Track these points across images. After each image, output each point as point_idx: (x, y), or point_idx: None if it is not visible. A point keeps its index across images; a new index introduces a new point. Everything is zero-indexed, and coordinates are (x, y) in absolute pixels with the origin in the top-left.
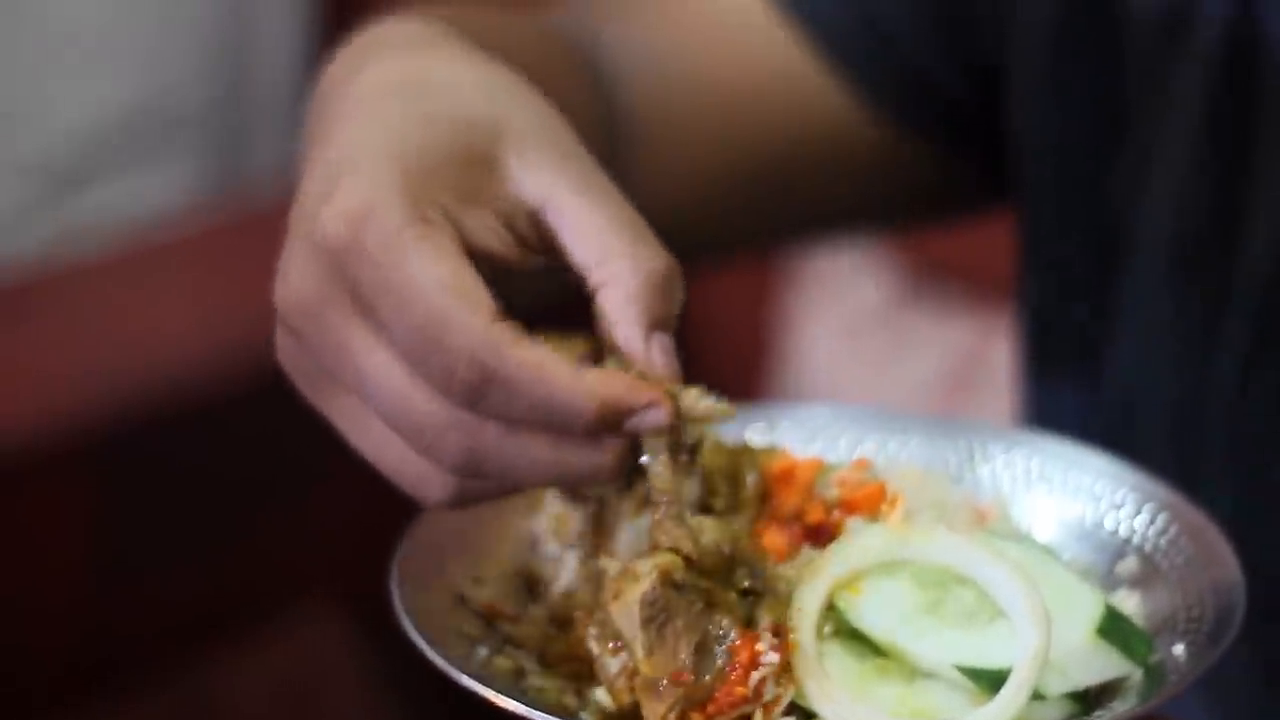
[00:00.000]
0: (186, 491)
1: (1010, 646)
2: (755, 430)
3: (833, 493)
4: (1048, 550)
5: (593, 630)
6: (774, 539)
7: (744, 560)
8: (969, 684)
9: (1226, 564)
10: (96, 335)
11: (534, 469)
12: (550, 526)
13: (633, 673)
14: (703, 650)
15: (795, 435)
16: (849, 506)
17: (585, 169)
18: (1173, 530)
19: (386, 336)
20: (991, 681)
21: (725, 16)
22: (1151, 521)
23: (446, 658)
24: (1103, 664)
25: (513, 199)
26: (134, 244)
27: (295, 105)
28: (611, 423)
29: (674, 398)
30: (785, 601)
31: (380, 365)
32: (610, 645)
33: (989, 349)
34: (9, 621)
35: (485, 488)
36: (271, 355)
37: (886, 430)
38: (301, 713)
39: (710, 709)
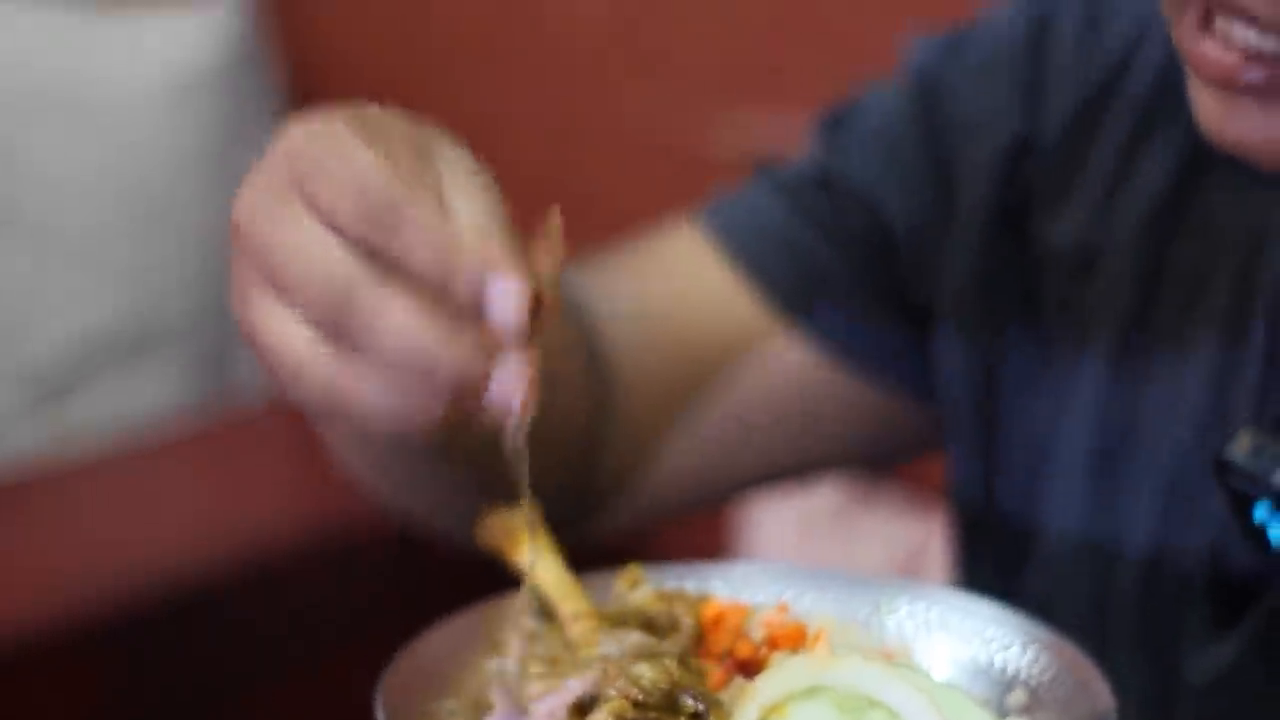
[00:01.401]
0: (180, 679)
1: None
2: (689, 584)
3: (759, 633)
4: (947, 681)
5: None
6: (710, 675)
7: (683, 688)
8: None
9: (1101, 693)
10: (89, 532)
11: (397, 329)
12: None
13: None
14: None
15: (724, 588)
16: (774, 644)
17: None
18: (1054, 666)
19: (317, 209)
20: None
21: (688, 274)
22: (1035, 659)
23: None
24: None
25: (433, 181)
26: (123, 447)
27: None
28: (478, 278)
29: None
30: (727, 713)
31: (304, 228)
32: None
33: (931, 544)
34: None
35: (346, 375)
36: (256, 548)
37: (804, 583)
38: None
39: None
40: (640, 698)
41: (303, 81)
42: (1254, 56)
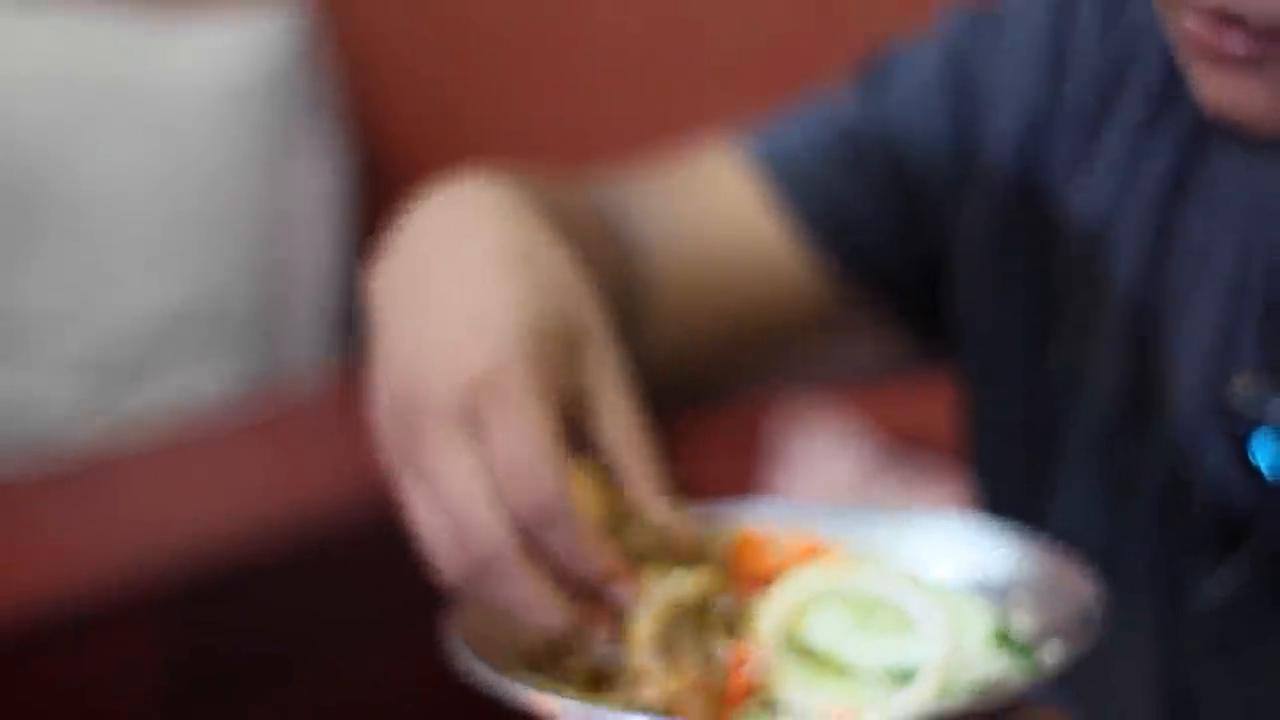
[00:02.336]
0: (234, 651)
1: (923, 650)
2: (723, 519)
3: (781, 553)
4: (949, 586)
5: (624, 675)
6: (738, 590)
7: (715, 594)
8: (890, 680)
9: (1088, 588)
10: (148, 510)
11: (529, 614)
12: None
13: (663, 695)
14: (707, 663)
15: (750, 520)
16: (795, 559)
17: (628, 379)
18: (1047, 569)
19: (479, 459)
20: (909, 677)
21: (727, 201)
22: (1030, 566)
23: (511, 678)
24: (994, 663)
25: (575, 387)
26: (181, 430)
27: (331, 304)
28: (598, 587)
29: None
30: (751, 619)
31: (465, 481)
32: (639, 681)
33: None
34: None
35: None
36: (309, 524)
37: (824, 516)
38: None
39: (725, 703)
40: (679, 601)
41: (359, 84)
42: (1233, 25)
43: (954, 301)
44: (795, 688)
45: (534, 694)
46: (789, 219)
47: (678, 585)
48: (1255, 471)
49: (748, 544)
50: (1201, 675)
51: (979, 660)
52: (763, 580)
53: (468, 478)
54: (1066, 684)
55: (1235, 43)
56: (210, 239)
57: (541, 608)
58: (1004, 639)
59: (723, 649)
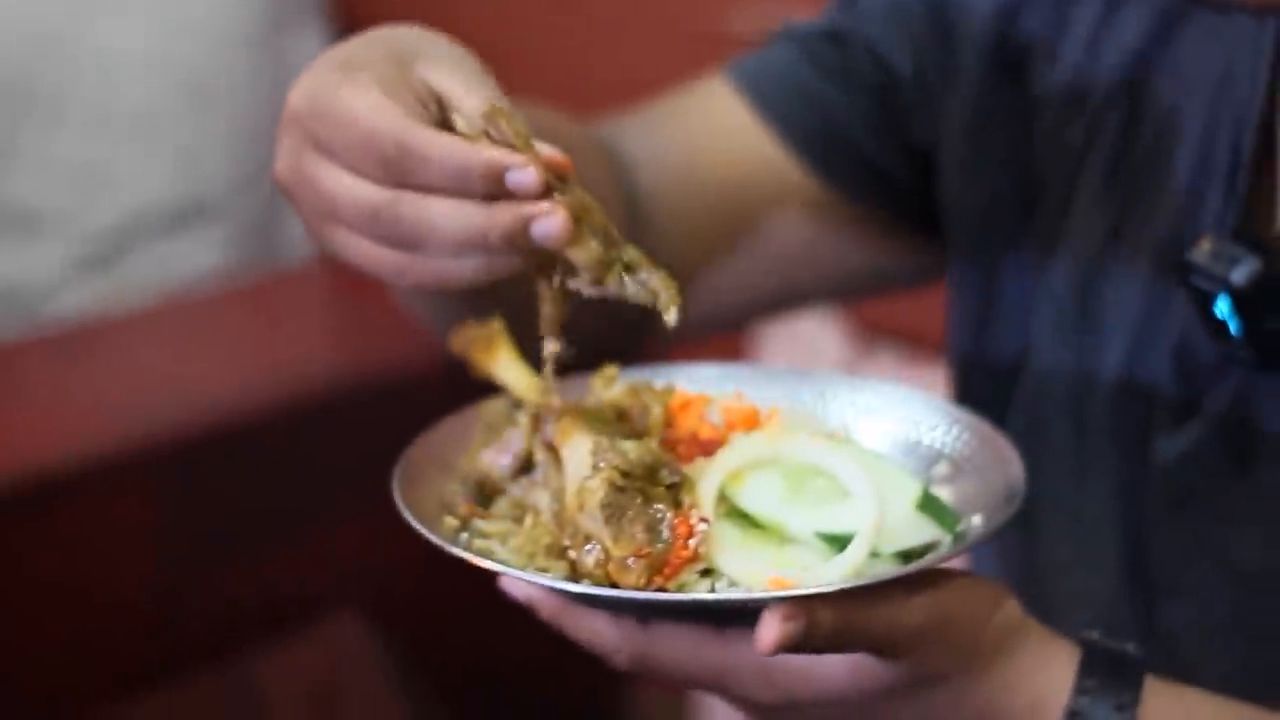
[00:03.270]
0: (226, 509)
1: (854, 518)
2: (657, 380)
3: (719, 418)
4: (880, 454)
5: (566, 539)
6: (677, 452)
7: (662, 464)
8: (824, 546)
9: (1012, 461)
10: (141, 373)
11: (445, 223)
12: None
13: (605, 560)
14: (651, 530)
15: (686, 383)
16: (731, 426)
17: (470, 72)
18: (973, 442)
19: (339, 161)
20: (841, 544)
21: (715, 119)
22: (957, 436)
23: (443, 538)
24: (922, 531)
25: (420, 84)
26: (173, 300)
27: None
28: (496, 177)
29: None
30: (693, 485)
31: (336, 180)
32: (584, 546)
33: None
34: (80, 614)
35: (423, 264)
36: (296, 388)
37: (756, 378)
38: (330, 704)
39: (667, 571)
40: (626, 469)
41: None
42: None
43: (942, 190)
44: (731, 553)
45: (480, 559)
46: (774, 129)
47: (627, 452)
48: (1217, 329)
49: (683, 408)
50: (1158, 526)
51: (906, 526)
52: (699, 445)
53: (339, 182)
54: (1036, 537)
55: None
56: (202, 121)
57: (478, 215)
58: (930, 506)
59: (667, 518)
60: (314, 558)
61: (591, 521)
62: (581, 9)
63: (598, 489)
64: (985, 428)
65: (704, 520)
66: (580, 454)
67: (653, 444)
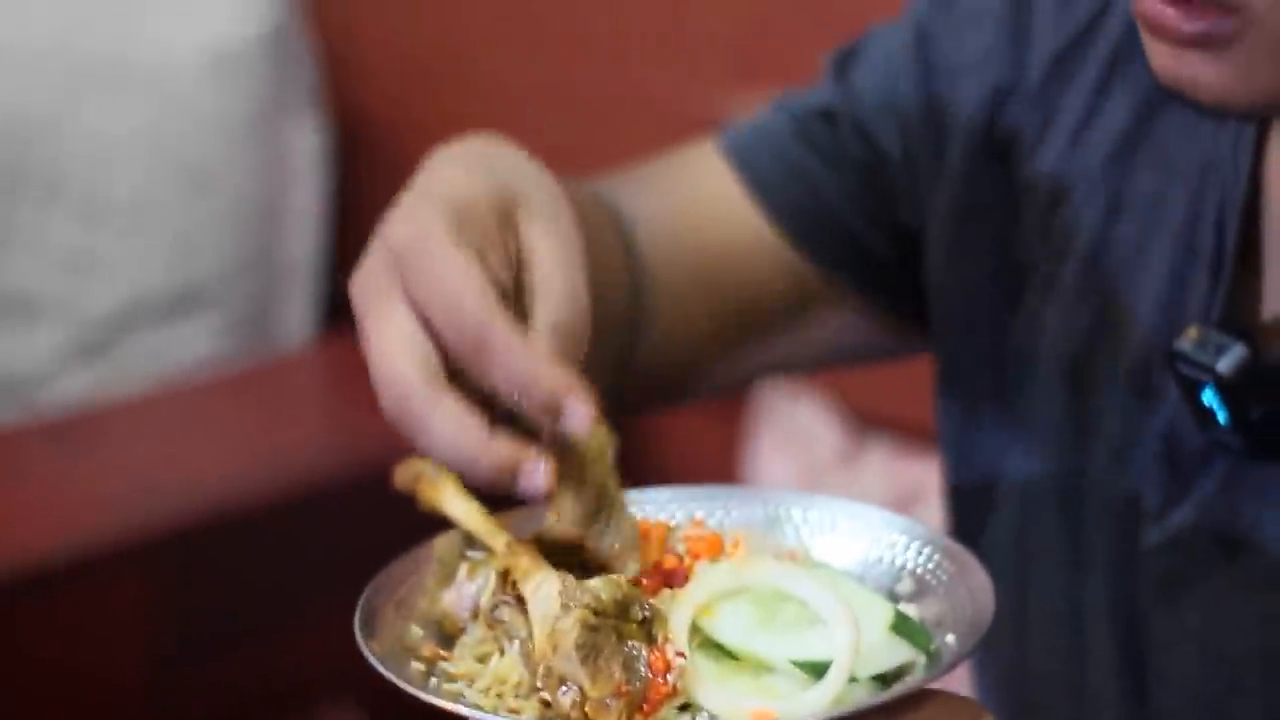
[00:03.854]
0: (222, 599)
1: (828, 644)
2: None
3: (681, 547)
4: (846, 574)
5: (539, 682)
6: (642, 584)
7: (632, 600)
8: (800, 674)
9: (979, 576)
10: (140, 460)
11: (442, 434)
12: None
13: (582, 700)
14: (629, 668)
15: (639, 509)
16: (695, 554)
17: (567, 239)
18: (936, 557)
19: (415, 307)
20: (817, 670)
21: (704, 188)
22: (920, 552)
23: (414, 683)
24: (896, 653)
25: (513, 246)
26: (173, 387)
27: (317, 270)
28: (553, 407)
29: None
30: (664, 618)
31: (401, 323)
32: (560, 688)
33: (927, 481)
34: (77, 701)
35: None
36: (294, 477)
37: (711, 501)
38: None
39: (646, 708)
40: (599, 608)
41: (341, 51)
42: (1194, 7)
43: (927, 273)
44: (708, 687)
45: (456, 705)
46: (760, 203)
47: (598, 591)
48: (1204, 417)
49: (645, 537)
50: (1147, 613)
51: (881, 649)
52: (662, 575)
53: (384, 330)
54: (1032, 622)
55: (1196, 24)
56: (197, 207)
57: (461, 449)
58: (902, 626)
59: (642, 654)
60: (311, 646)
61: (567, 663)
62: (577, 94)
63: (571, 629)
64: (947, 542)
65: (679, 654)
66: (545, 593)
67: (621, 580)
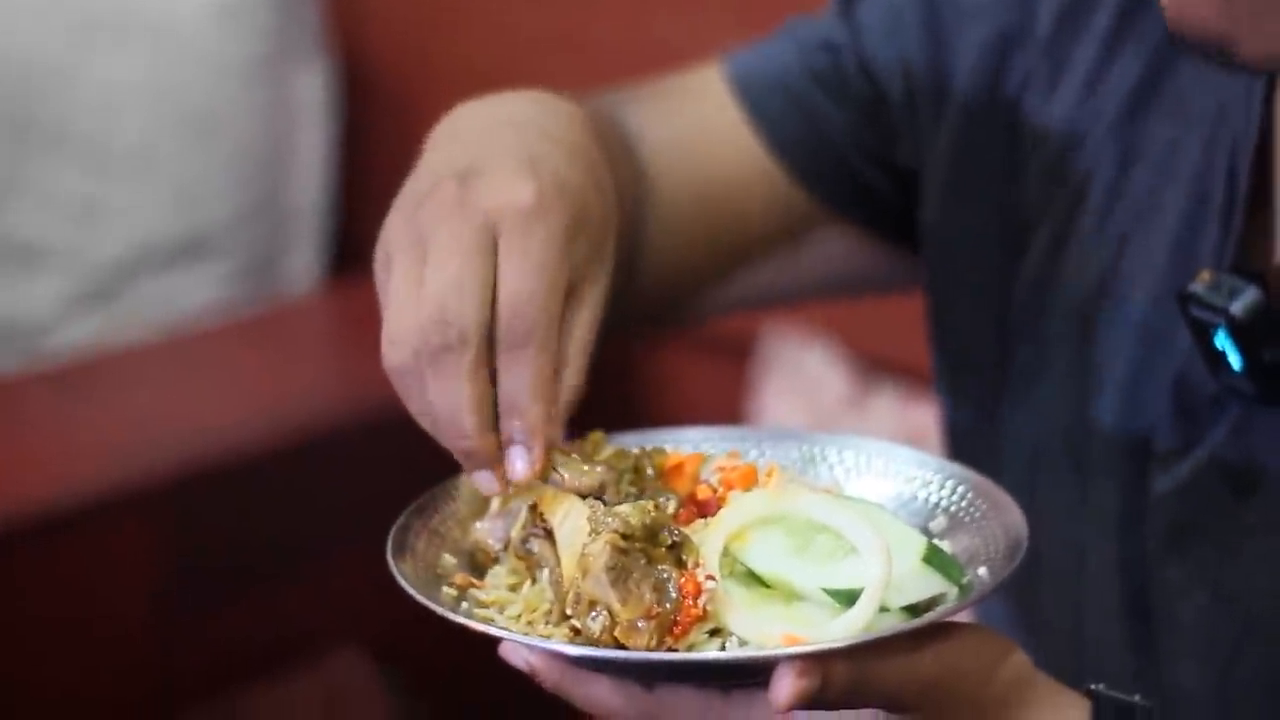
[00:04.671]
0: (227, 544)
1: (861, 574)
2: (651, 443)
3: (715, 478)
4: (881, 508)
5: (569, 608)
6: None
7: (661, 525)
8: (831, 602)
9: (1011, 511)
10: (145, 407)
11: (446, 417)
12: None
13: (612, 624)
14: (659, 591)
15: (680, 446)
16: (729, 485)
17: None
18: (969, 494)
19: (492, 263)
20: (849, 599)
21: (706, 113)
22: (954, 490)
23: (445, 606)
24: (928, 584)
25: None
26: (178, 334)
27: (323, 215)
28: (509, 439)
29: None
30: (695, 545)
31: (479, 267)
32: (589, 613)
33: (932, 423)
34: (79, 650)
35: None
36: (297, 424)
37: (748, 439)
38: None
39: (676, 631)
40: (627, 532)
41: None
42: None
43: (923, 214)
44: (739, 613)
45: (485, 626)
46: (760, 132)
47: (626, 516)
48: (1216, 362)
49: (676, 469)
50: (1157, 560)
51: (913, 580)
52: (696, 505)
53: (465, 265)
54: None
55: None
56: (202, 154)
57: (462, 419)
58: (935, 559)
59: (672, 577)
60: (316, 593)
61: (597, 586)
62: (585, 40)
63: (601, 553)
64: (980, 480)
65: (710, 578)
66: (573, 522)
67: (649, 505)
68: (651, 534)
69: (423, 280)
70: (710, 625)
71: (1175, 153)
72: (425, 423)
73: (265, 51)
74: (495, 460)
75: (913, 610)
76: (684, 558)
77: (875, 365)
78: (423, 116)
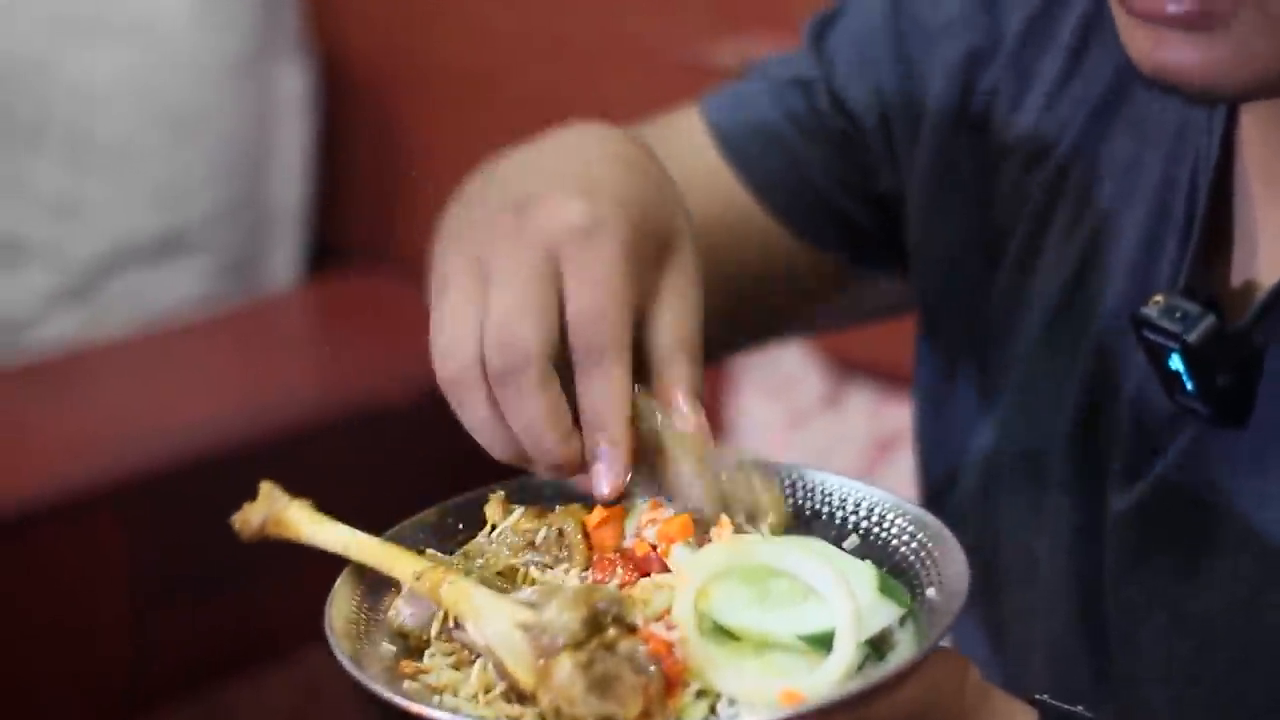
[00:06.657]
0: (210, 537)
1: (826, 614)
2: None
3: (647, 531)
4: (819, 540)
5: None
6: (610, 571)
7: (592, 608)
8: (803, 647)
9: (948, 540)
10: (123, 403)
11: (534, 412)
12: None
13: None
14: (639, 670)
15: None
16: (668, 538)
17: (697, 302)
18: (904, 524)
19: (555, 287)
20: (819, 641)
21: (686, 155)
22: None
23: (398, 691)
24: (886, 614)
25: (655, 282)
26: (158, 330)
27: (303, 213)
28: (594, 455)
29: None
30: (638, 602)
31: (541, 287)
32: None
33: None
34: (54, 645)
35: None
36: (275, 420)
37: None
38: None
39: (669, 698)
40: (578, 640)
41: None
42: None
43: (908, 238)
44: (724, 672)
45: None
46: (738, 172)
47: (568, 625)
48: (1172, 383)
49: (601, 524)
50: (1113, 579)
51: (872, 612)
52: (635, 563)
53: (527, 289)
54: (998, 582)
55: (1180, 4)
56: (183, 151)
57: (543, 435)
58: (886, 587)
59: (640, 650)
60: (288, 588)
61: (589, 706)
62: (562, 39)
63: (573, 679)
64: (927, 519)
65: (669, 627)
66: (495, 626)
67: (568, 595)
68: (594, 624)
69: (485, 302)
70: (696, 687)
71: (1137, 169)
72: (480, 438)
73: (245, 50)
74: (583, 468)
75: (873, 641)
76: (630, 620)
77: (850, 366)
78: (401, 115)
